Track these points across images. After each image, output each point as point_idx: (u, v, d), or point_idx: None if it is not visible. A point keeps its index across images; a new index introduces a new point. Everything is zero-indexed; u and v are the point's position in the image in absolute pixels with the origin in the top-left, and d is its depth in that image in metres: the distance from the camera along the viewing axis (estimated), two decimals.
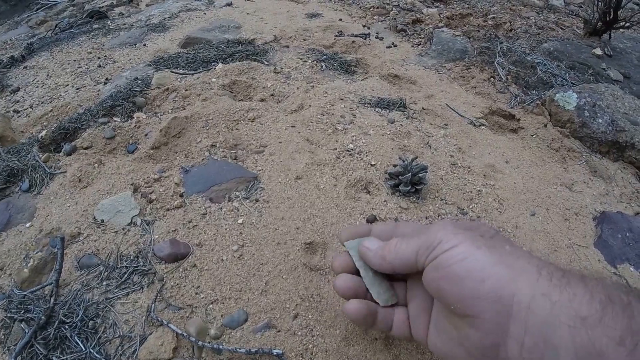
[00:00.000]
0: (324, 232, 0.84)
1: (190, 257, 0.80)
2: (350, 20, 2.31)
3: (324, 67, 1.55)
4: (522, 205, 1.01)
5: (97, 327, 0.70)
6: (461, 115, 1.36)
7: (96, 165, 1.06)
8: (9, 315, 0.72)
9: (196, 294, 0.74)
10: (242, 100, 1.33)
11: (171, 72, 1.51)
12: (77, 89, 1.59)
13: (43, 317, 0.69)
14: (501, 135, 1.34)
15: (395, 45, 1.94)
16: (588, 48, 1.95)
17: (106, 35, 2.20)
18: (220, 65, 1.50)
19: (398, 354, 0.65)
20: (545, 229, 0.96)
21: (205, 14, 2.39)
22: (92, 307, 0.73)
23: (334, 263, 0.57)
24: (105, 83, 1.59)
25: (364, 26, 2.21)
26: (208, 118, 1.16)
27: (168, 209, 0.91)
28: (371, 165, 1.02)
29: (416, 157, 0.97)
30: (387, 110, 1.28)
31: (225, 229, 0.86)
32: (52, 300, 0.73)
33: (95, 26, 2.40)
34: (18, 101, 1.62)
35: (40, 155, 1.11)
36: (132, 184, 0.97)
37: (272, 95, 1.33)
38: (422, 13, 2.38)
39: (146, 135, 1.15)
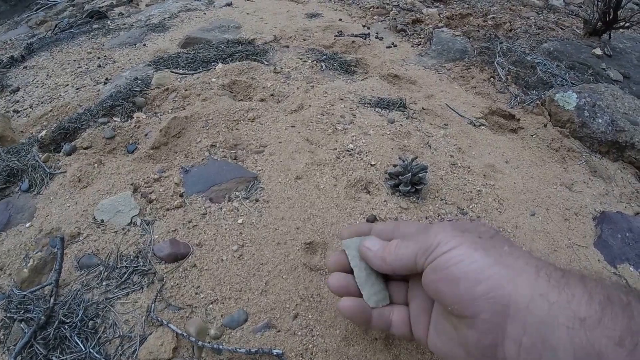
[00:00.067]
0: (324, 232, 0.84)
1: (190, 257, 0.80)
2: (350, 20, 2.31)
3: (324, 67, 1.55)
4: (522, 205, 1.01)
5: (97, 327, 0.70)
6: (461, 115, 1.36)
7: (96, 165, 1.06)
8: (8, 315, 0.72)
9: (196, 294, 0.74)
10: (242, 100, 1.33)
11: (171, 72, 1.51)
12: (77, 89, 1.59)
13: (43, 317, 0.69)
14: (501, 135, 1.34)
15: (395, 45, 1.94)
16: (588, 48, 1.95)
17: (106, 35, 2.20)
18: (220, 65, 1.50)
19: (398, 354, 0.65)
20: (545, 228, 0.96)
21: (205, 14, 2.39)
22: (92, 307, 0.72)
23: (329, 261, 0.59)
24: (105, 83, 1.59)
25: (363, 26, 2.21)
26: (208, 118, 1.16)
27: (168, 209, 0.91)
28: (371, 165, 1.02)
29: (416, 157, 0.97)
30: (387, 110, 1.28)
31: (225, 229, 0.86)
32: (51, 300, 0.72)
33: (95, 26, 2.40)
34: (18, 101, 1.62)
35: (40, 155, 1.11)
36: (132, 184, 0.97)
37: (272, 95, 1.33)
38: (422, 13, 2.38)
39: (146, 135, 1.15)
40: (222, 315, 0.71)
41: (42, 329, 0.68)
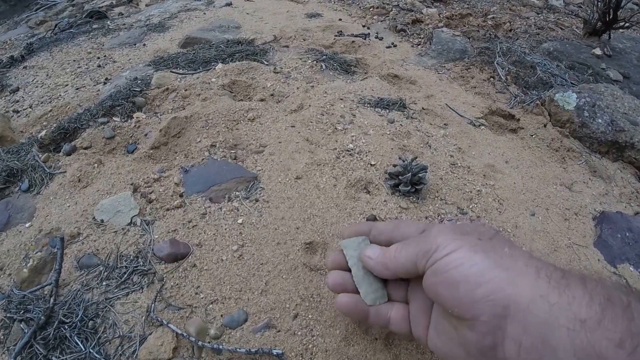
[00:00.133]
0: (324, 232, 0.84)
1: (190, 257, 0.80)
2: (350, 20, 2.31)
3: (324, 67, 1.55)
4: (521, 205, 1.01)
5: (97, 327, 0.70)
6: (461, 115, 1.36)
7: (96, 165, 1.06)
8: (8, 315, 0.72)
9: (196, 294, 0.74)
10: (241, 100, 1.33)
11: (171, 72, 1.51)
12: (77, 89, 1.59)
13: (42, 317, 0.69)
14: (501, 135, 1.34)
15: (395, 45, 1.94)
16: (588, 48, 1.95)
17: (106, 35, 2.20)
18: (220, 65, 1.50)
19: (398, 354, 0.65)
20: (545, 228, 0.96)
21: (204, 14, 2.39)
22: (92, 307, 0.72)
23: (328, 260, 0.60)
24: (104, 83, 1.59)
25: (363, 26, 2.21)
26: (208, 118, 1.16)
27: (168, 209, 0.91)
28: (371, 165, 1.02)
29: (416, 157, 0.97)
30: (387, 110, 1.28)
31: (225, 229, 0.86)
32: (51, 300, 0.72)
33: (94, 26, 2.39)
34: (17, 101, 1.62)
35: (40, 155, 1.11)
36: (131, 184, 0.97)
37: (271, 95, 1.33)
38: (422, 13, 2.38)
39: (146, 135, 1.15)
40: (222, 315, 0.71)
41: (42, 329, 0.68)
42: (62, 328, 0.68)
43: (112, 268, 0.79)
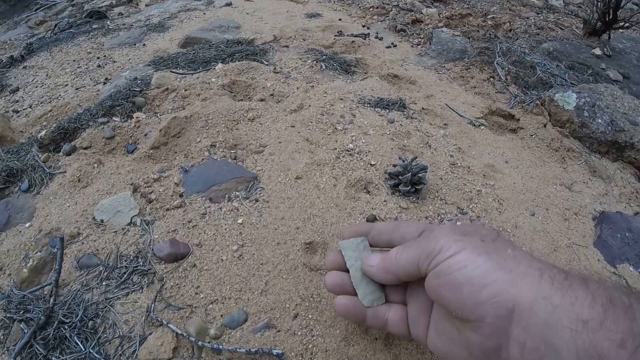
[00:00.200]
0: (324, 232, 0.84)
1: (190, 257, 0.80)
2: (350, 20, 2.31)
3: (324, 67, 1.55)
4: (521, 205, 1.01)
5: (97, 327, 0.70)
6: (461, 115, 1.36)
7: (96, 165, 1.06)
8: (8, 315, 0.72)
9: (196, 294, 0.74)
10: (241, 100, 1.33)
11: (171, 72, 1.51)
12: (77, 88, 1.59)
13: (42, 317, 0.69)
14: (501, 135, 1.34)
15: (395, 45, 1.94)
16: (587, 48, 1.95)
17: (105, 35, 2.20)
18: (219, 65, 1.50)
19: (398, 354, 0.65)
20: (545, 228, 0.96)
21: (204, 14, 2.39)
22: (92, 307, 0.72)
23: (327, 260, 0.61)
24: (104, 83, 1.59)
25: (363, 26, 2.21)
26: (208, 118, 1.16)
27: (168, 209, 0.91)
28: (371, 165, 1.02)
29: (416, 157, 0.97)
30: (387, 110, 1.28)
31: (225, 229, 0.86)
32: (51, 300, 0.72)
33: (94, 26, 2.39)
34: (17, 101, 1.62)
35: (40, 155, 1.11)
36: (131, 184, 0.97)
37: (271, 95, 1.33)
38: (422, 13, 2.38)
39: (146, 135, 1.15)
40: (222, 315, 0.71)
41: (41, 329, 0.68)
42: (62, 328, 0.68)
43: (112, 268, 0.79)
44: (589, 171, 1.22)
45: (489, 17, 2.35)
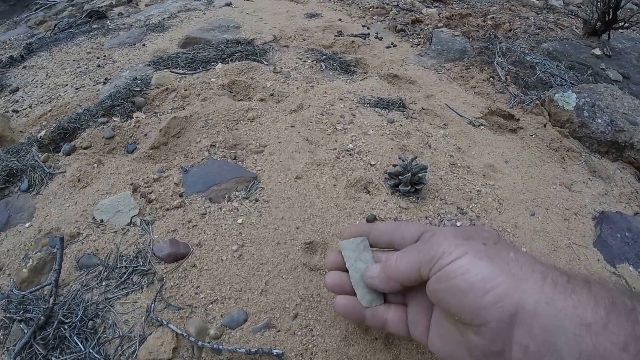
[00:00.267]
0: (324, 232, 0.84)
1: (189, 257, 0.80)
2: (350, 20, 2.31)
3: (324, 67, 1.55)
4: (521, 205, 1.01)
5: (97, 327, 0.69)
6: (460, 115, 1.36)
7: (95, 165, 1.06)
8: (8, 315, 0.72)
9: (196, 294, 0.74)
10: (241, 100, 1.33)
11: (170, 72, 1.51)
12: (77, 88, 1.59)
13: (42, 318, 0.69)
14: (500, 135, 1.34)
15: (395, 45, 1.94)
16: (587, 48, 1.95)
17: (105, 35, 2.20)
18: (219, 65, 1.50)
19: (398, 354, 0.65)
20: (545, 228, 0.96)
21: (204, 13, 2.39)
22: (92, 307, 0.72)
23: (327, 260, 0.61)
24: (104, 83, 1.59)
25: (363, 26, 2.21)
26: (207, 118, 1.16)
27: (167, 209, 0.91)
28: (371, 165, 1.02)
29: (416, 157, 0.97)
30: (387, 110, 1.28)
31: (225, 229, 0.86)
32: (51, 300, 0.72)
33: (94, 26, 2.39)
34: (17, 101, 1.62)
35: (40, 155, 1.11)
36: (131, 184, 0.97)
37: (271, 95, 1.33)
38: (422, 13, 2.38)
39: (145, 135, 1.15)
40: (221, 315, 0.70)
41: (41, 329, 0.68)
42: (61, 328, 0.68)
43: (112, 268, 0.79)
44: (589, 171, 1.22)
45: (488, 17, 2.35)
